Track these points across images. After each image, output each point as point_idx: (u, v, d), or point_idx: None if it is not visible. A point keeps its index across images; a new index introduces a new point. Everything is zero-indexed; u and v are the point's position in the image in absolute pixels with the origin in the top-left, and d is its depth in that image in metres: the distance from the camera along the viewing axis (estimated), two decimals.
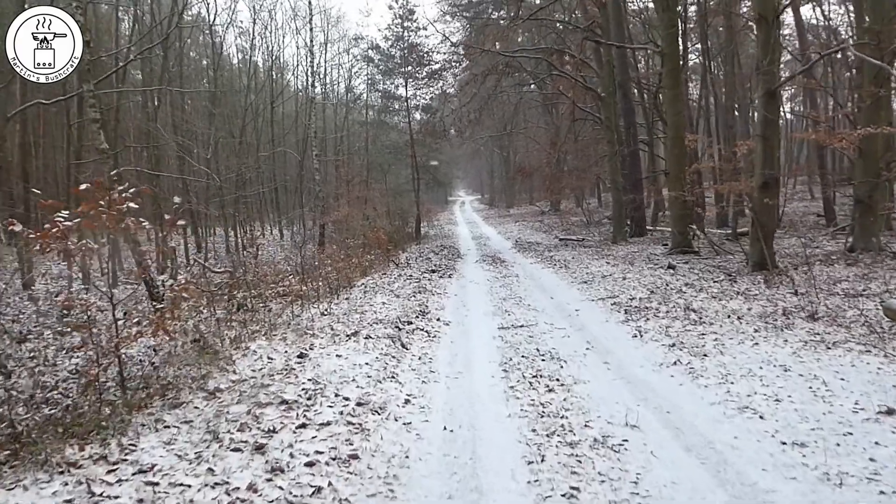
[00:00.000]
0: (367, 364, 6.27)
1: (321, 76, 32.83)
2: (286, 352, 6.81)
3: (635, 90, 25.30)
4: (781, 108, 19.38)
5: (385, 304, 9.85)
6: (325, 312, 9.33)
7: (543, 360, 6.79)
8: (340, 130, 33.52)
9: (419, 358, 6.84)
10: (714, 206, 21.79)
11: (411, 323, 8.43)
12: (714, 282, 11.50)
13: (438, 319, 9.04)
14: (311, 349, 6.87)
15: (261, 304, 10.05)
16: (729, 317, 8.47)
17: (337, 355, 6.57)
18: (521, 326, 8.49)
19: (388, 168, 30.14)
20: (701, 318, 8.54)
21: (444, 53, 26.57)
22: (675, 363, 6.57)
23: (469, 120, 23.74)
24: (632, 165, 21.93)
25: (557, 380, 6.02)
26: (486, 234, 29.02)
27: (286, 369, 6.00)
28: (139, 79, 23.84)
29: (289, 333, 7.81)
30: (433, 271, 14.37)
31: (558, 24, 25.49)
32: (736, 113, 23.06)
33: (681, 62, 17.22)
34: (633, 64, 25.33)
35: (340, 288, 12.05)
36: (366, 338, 7.38)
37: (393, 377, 6.00)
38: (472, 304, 10.52)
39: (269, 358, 6.56)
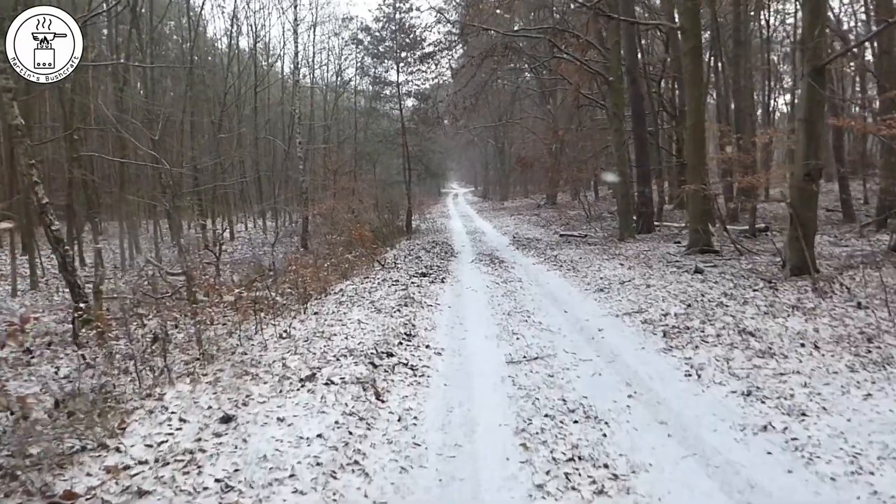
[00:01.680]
0: (319, 437, 4.13)
1: (309, 60, 30.54)
2: (209, 409, 4.67)
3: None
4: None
5: (361, 322, 7.69)
6: (285, 334, 7.18)
7: (576, 421, 4.67)
8: (329, 118, 31.21)
9: (399, 419, 4.69)
10: (724, 200, 19.75)
11: (392, 354, 6.27)
12: (754, 290, 9.42)
13: (428, 346, 6.89)
14: (244, 405, 4.72)
15: (204, 322, 7.88)
16: (802, 344, 6.37)
17: (279, 419, 4.42)
18: (536, 359, 6.36)
19: (378, 158, 27.87)
20: (764, 345, 6.45)
21: (440, 33, 24.29)
22: (764, 428, 4.48)
23: (464, 107, 21.58)
24: (639, 156, 19.81)
25: (605, 465, 3.90)
26: (480, 228, 26.85)
27: (193, 451, 3.85)
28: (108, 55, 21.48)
29: (226, 370, 5.68)
30: (423, 274, 12.20)
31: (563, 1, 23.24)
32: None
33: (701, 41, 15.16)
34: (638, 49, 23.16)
35: (312, 297, 9.92)
36: (327, 383, 5.23)
37: (356, 463, 3.86)
38: (471, 321, 8.37)
39: (180, 421, 4.42)
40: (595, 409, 4.92)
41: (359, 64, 28.85)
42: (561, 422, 4.64)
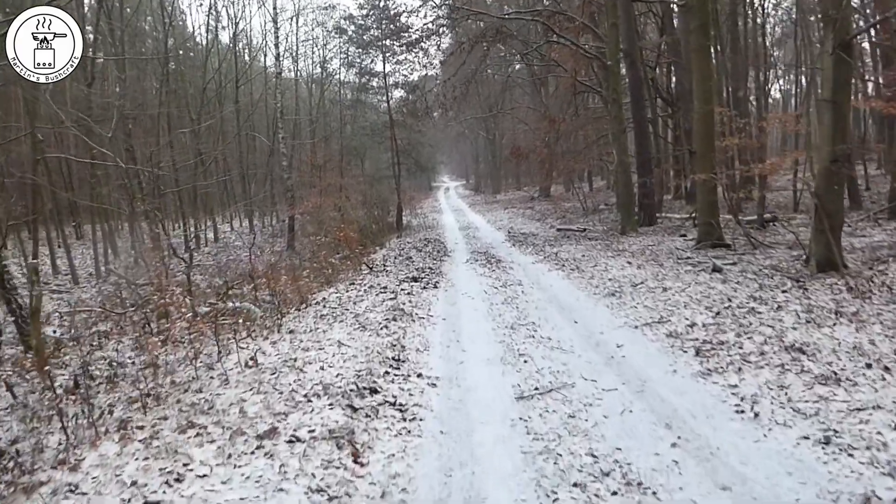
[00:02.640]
0: None
1: (292, 52, 29.18)
2: (132, 486, 3.50)
3: None
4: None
5: (342, 344, 6.51)
6: (251, 362, 6.00)
7: (615, 493, 3.52)
8: (314, 112, 29.88)
9: (383, 494, 3.52)
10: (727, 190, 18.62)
11: (376, 390, 5.10)
12: (783, 292, 8.33)
13: (420, 374, 5.72)
14: (178, 481, 3.55)
15: (163, 344, 6.69)
16: (868, 365, 5.26)
17: None
18: (551, 391, 5.20)
19: (365, 152, 26.56)
20: (822, 366, 5.34)
21: (427, 18, 22.98)
22: (868, 501, 3.35)
23: (454, 96, 20.35)
24: (640, 144, 18.67)
25: None
26: (474, 223, 25.67)
27: None
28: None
29: (170, 419, 4.51)
30: (414, 279, 11.02)
31: None
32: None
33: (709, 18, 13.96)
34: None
35: (292, 308, 8.76)
36: (291, 440, 4.05)
37: None
38: (469, 337, 7.20)
39: None
40: (635, 470, 3.78)
41: (344, 55, 27.55)
42: (595, 494, 3.49)
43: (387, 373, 5.62)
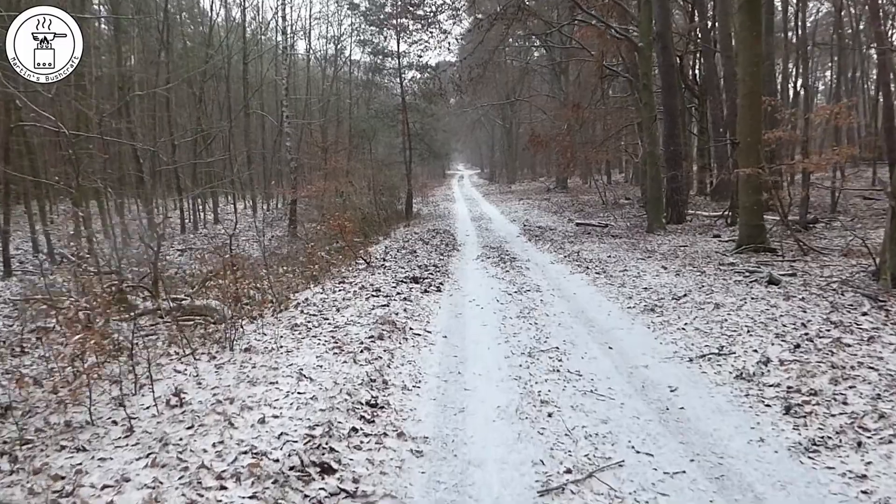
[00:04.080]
0: None
1: (306, 29, 27.32)
2: None
3: None
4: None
5: (304, 377, 4.75)
6: (175, 400, 4.27)
7: None
8: (322, 91, 28.05)
9: None
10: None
11: (330, 470, 3.33)
12: (862, 314, 6.51)
13: (401, 435, 3.94)
14: None
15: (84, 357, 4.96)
16: None
17: None
18: (590, 476, 3.43)
19: (374, 135, 24.70)
20: None
21: None
22: None
23: (470, 77, 18.45)
24: (670, 135, 16.71)
25: None
26: (487, 213, 23.82)
27: None
28: None
29: None
30: (415, 280, 9.23)
31: None
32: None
33: None
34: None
35: (264, 310, 7.05)
36: None
37: None
38: (475, 368, 5.42)
39: None
40: None
41: (356, 33, 25.65)
42: None
43: (354, 430, 3.87)
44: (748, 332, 6.20)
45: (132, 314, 8.57)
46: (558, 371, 5.26)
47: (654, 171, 15.38)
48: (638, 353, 5.83)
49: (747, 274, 9.23)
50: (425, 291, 8.50)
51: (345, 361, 5.17)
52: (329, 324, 6.46)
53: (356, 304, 7.39)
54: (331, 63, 29.17)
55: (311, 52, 29.71)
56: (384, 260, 11.32)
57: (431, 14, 18.26)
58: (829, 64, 24.91)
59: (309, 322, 6.66)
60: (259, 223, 18.76)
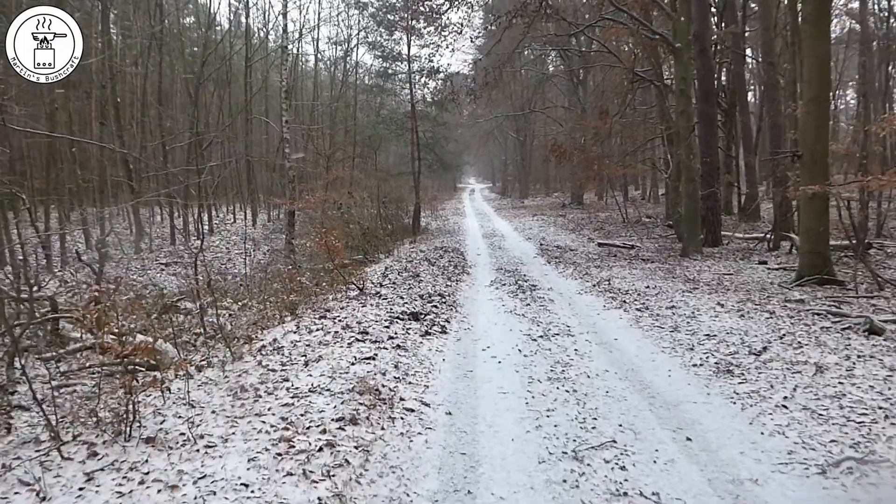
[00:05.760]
0: None
1: (313, 30, 25.61)
2: None
3: None
4: None
5: None
6: None
7: None
8: (334, 98, 26.27)
9: None
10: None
11: None
12: None
13: None
14: None
15: None
16: None
17: None
18: None
19: (380, 144, 22.81)
20: None
21: None
22: None
23: (485, 82, 16.56)
24: (707, 147, 14.69)
25: None
26: (499, 230, 21.82)
27: None
28: None
29: None
30: (415, 316, 7.25)
31: None
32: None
33: None
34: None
35: (217, 353, 5.14)
36: None
37: None
38: (492, 481, 3.44)
39: None
40: None
41: (363, 35, 23.85)
42: None
43: None
44: (886, 417, 4.22)
45: (54, 353, 6.72)
46: (625, 494, 3.28)
47: (690, 187, 13.39)
48: (733, 451, 3.85)
49: (830, 317, 7.24)
50: (426, 333, 6.54)
51: (290, 473, 3.22)
52: (287, 392, 4.50)
53: (332, 356, 5.43)
54: (338, 66, 27.40)
55: (318, 54, 27.94)
56: (381, 285, 9.38)
57: (445, 5, 16.30)
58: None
59: (262, 384, 4.72)
60: (250, 236, 16.87)
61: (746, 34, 22.24)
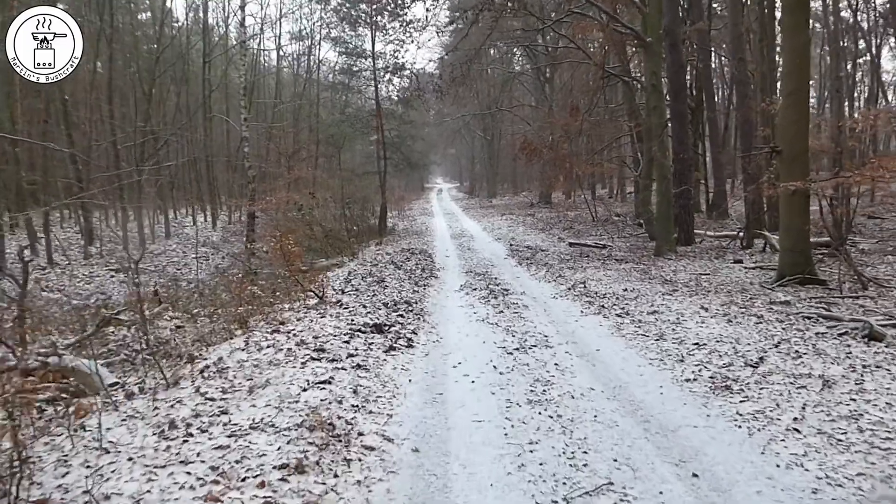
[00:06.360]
0: None
1: (273, 25, 24.67)
2: None
3: None
4: None
5: None
6: None
7: None
8: (297, 96, 25.31)
9: None
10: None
11: None
12: None
13: None
14: None
15: None
16: None
17: None
18: None
19: (344, 143, 21.99)
20: None
21: None
22: None
23: (452, 78, 15.92)
24: (679, 144, 14.29)
25: None
26: (468, 230, 21.20)
27: None
28: None
29: None
30: (378, 328, 6.55)
31: None
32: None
33: None
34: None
35: (155, 374, 4.39)
36: None
37: None
38: None
39: None
40: None
41: (327, 30, 22.98)
42: None
43: None
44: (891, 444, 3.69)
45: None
46: None
47: (663, 185, 12.95)
48: (749, 490, 3.26)
49: (822, 321, 6.77)
50: (391, 348, 5.85)
51: None
52: (225, 426, 3.78)
53: (282, 379, 4.71)
54: (301, 63, 26.44)
55: (280, 50, 26.93)
56: (343, 292, 8.65)
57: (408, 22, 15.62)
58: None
59: (196, 417, 3.98)
60: (209, 240, 15.94)
61: (712, 33, 22.05)
